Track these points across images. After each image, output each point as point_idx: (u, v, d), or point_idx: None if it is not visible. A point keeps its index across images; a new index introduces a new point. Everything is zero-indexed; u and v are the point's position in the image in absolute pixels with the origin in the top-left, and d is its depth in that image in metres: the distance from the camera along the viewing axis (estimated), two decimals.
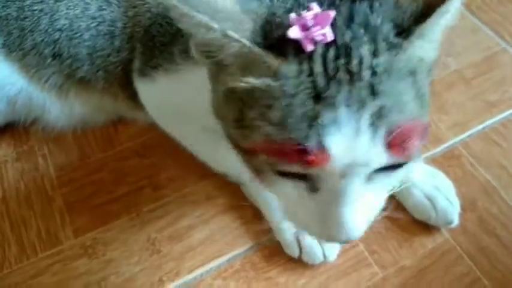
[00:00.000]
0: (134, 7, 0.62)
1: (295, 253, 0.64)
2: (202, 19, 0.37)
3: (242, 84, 0.41)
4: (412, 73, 0.40)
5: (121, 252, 0.65)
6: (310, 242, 0.63)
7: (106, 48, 0.64)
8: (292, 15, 0.39)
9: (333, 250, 0.64)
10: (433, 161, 0.74)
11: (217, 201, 0.70)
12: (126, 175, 0.73)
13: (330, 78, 0.38)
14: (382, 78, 0.38)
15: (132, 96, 0.68)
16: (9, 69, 0.67)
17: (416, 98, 0.40)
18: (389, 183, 0.45)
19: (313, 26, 0.39)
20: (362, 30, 0.39)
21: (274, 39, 0.39)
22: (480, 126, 0.79)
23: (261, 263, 0.65)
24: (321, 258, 0.63)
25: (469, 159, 0.75)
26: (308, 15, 0.39)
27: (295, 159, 0.39)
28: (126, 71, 0.66)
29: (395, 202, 0.69)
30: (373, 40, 0.39)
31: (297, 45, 0.39)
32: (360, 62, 0.38)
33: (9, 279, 0.63)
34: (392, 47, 0.39)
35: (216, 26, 0.38)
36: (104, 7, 0.63)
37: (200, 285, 0.63)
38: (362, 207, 0.43)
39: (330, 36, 0.38)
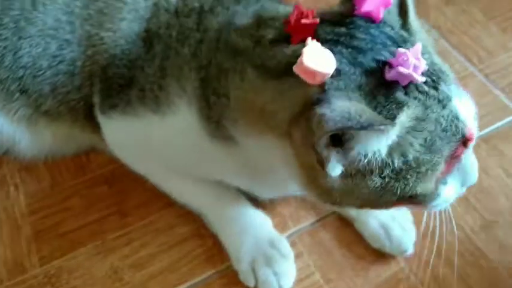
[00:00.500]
0: (93, 46, 0.65)
1: (251, 283, 0.66)
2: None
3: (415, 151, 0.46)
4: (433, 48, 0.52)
5: (84, 280, 0.68)
6: (266, 271, 0.65)
7: (67, 85, 0.67)
8: (402, 69, 0.44)
9: (287, 280, 0.66)
10: None
11: (179, 230, 0.72)
12: (95, 202, 0.75)
13: (434, 86, 0.47)
14: (435, 61, 0.50)
15: (98, 128, 0.71)
16: None
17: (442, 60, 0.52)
18: None
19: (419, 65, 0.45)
20: (404, 44, 0.49)
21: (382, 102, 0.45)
22: None
23: None
24: None
25: None
26: (411, 58, 0.44)
27: (463, 150, 0.48)
28: (90, 105, 0.69)
29: (354, 230, 0.71)
30: (412, 45, 0.48)
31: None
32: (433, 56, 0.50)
33: None
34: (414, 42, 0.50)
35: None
36: (63, 46, 0.65)
37: None
38: None
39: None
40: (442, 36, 0.97)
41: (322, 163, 0.45)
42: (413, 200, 0.49)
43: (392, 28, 0.50)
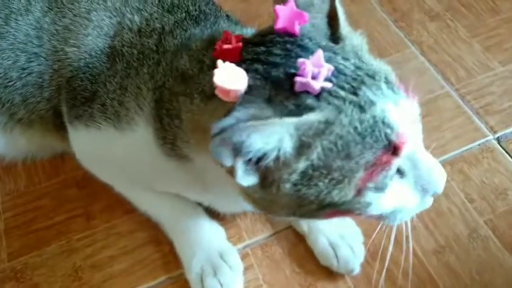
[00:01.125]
0: (59, 60, 0.68)
1: None
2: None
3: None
4: (365, 52, 0.53)
5: (46, 277, 0.72)
6: (212, 281, 0.68)
7: (36, 96, 0.71)
8: (300, 78, 0.45)
9: None
10: None
11: (139, 235, 0.76)
12: (64, 204, 0.79)
13: (353, 91, 0.46)
14: (364, 66, 0.49)
15: (68, 137, 0.74)
16: None
17: (378, 62, 0.52)
18: None
19: (319, 70, 0.46)
20: (325, 52, 0.48)
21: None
22: None
23: None
24: None
25: None
26: (309, 67, 0.45)
27: (392, 158, 0.47)
28: (59, 115, 0.72)
29: (307, 246, 0.73)
30: (335, 52, 0.49)
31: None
32: (348, 68, 0.48)
33: None
34: (343, 49, 0.50)
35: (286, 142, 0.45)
36: (32, 59, 0.69)
37: None
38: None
39: (331, 66, 0.47)
40: (421, 53, 0.96)
41: (232, 174, 0.46)
42: (339, 208, 0.49)
43: (311, 39, 0.50)
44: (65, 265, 0.73)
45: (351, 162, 0.46)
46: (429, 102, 0.89)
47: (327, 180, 0.46)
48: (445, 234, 0.74)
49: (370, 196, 0.49)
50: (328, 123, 0.45)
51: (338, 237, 0.70)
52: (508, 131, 0.85)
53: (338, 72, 0.47)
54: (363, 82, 0.47)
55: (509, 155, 0.82)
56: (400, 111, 0.48)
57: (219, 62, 0.46)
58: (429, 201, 0.54)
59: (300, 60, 0.46)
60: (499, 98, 0.89)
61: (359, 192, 0.48)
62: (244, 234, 0.75)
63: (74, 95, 0.69)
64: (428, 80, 0.92)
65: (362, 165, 0.46)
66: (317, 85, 0.45)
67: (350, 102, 0.46)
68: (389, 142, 0.46)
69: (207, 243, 0.71)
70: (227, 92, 0.46)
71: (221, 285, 0.68)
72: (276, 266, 0.72)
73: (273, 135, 0.44)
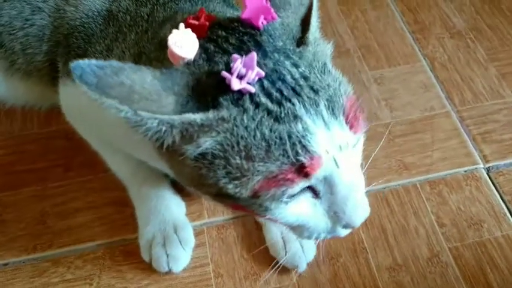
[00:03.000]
0: (59, 18, 0.72)
1: (146, 258, 0.71)
2: (111, 103, 0.43)
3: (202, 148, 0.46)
4: (325, 65, 0.50)
5: (15, 216, 0.77)
6: (159, 253, 0.70)
7: (35, 48, 0.75)
8: (225, 73, 0.45)
9: (178, 264, 0.70)
10: None
11: (108, 194, 0.78)
12: (50, 152, 0.84)
13: (278, 100, 0.45)
14: (312, 78, 0.47)
15: None
16: None
17: (336, 80, 0.50)
18: (359, 159, 0.53)
19: (246, 71, 0.45)
20: (276, 54, 0.48)
21: (209, 100, 0.45)
22: (381, 186, 0.78)
23: (120, 256, 0.73)
24: (166, 268, 0.69)
25: None
26: (237, 65, 0.45)
27: (298, 178, 0.45)
28: (55, 71, 0.76)
29: (261, 235, 0.73)
30: (287, 56, 0.48)
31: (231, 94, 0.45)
32: (292, 76, 0.47)
33: None
34: (300, 55, 0.49)
35: (124, 107, 0.43)
36: (35, 12, 0.73)
37: (63, 260, 0.72)
38: (361, 185, 0.51)
39: (263, 72, 0.46)
40: (431, 68, 0.93)
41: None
42: (238, 202, 0.48)
43: (271, 37, 0.49)
44: (34, 208, 0.77)
45: (251, 164, 0.45)
46: (426, 119, 0.86)
47: (224, 172, 0.46)
48: (405, 253, 0.71)
49: (267, 203, 0.48)
50: (223, 120, 0.45)
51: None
52: (501, 162, 0.80)
53: (278, 77, 0.46)
54: (298, 94, 0.46)
55: (495, 188, 0.78)
56: (329, 136, 0.46)
57: (181, 25, 0.48)
58: (342, 232, 0.52)
59: (235, 55, 0.45)
60: (501, 127, 0.84)
61: (255, 194, 0.47)
62: (204, 213, 0.76)
63: (68, 51, 0.72)
64: (431, 97, 0.89)
65: (262, 172, 0.45)
66: (236, 85, 0.44)
67: (264, 110, 0.45)
68: (299, 162, 0.45)
69: (164, 213, 0.72)
70: (174, 55, 0.47)
71: (167, 256, 0.69)
72: (226, 248, 0.73)
73: (154, 123, 0.44)
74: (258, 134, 0.45)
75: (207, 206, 0.77)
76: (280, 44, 0.49)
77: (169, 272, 0.70)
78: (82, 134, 0.78)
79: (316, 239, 0.54)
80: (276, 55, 0.48)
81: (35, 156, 0.84)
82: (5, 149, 0.85)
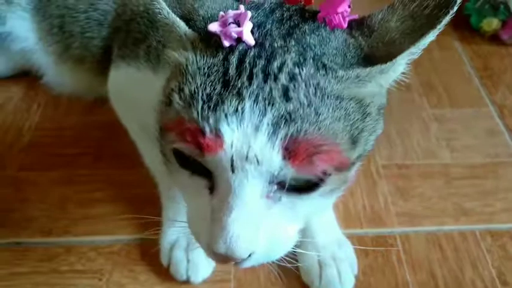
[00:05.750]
0: (123, 5, 0.72)
1: (165, 261, 0.64)
2: None
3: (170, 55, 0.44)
4: (342, 100, 0.40)
5: (37, 196, 0.73)
6: (179, 257, 0.63)
7: (94, 32, 0.75)
8: (221, 12, 0.42)
9: (197, 273, 0.63)
10: (360, 239, 0.68)
11: (135, 190, 0.74)
12: (84, 140, 0.81)
13: (242, 70, 0.40)
14: (300, 87, 0.39)
15: None
16: (31, 27, 0.81)
17: (340, 123, 0.40)
18: (301, 211, 0.43)
19: (231, 23, 0.41)
20: (293, 43, 0.42)
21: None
22: (433, 228, 0.69)
23: (135, 255, 0.67)
24: (183, 277, 0.63)
25: (400, 254, 0.66)
26: (230, 13, 0.42)
27: (193, 141, 0.40)
28: (108, 58, 0.75)
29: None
30: (301, 54, 0.41)
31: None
32: (281, 66, 0.40)
33: None
34: (324, 68, 0.40)
35: None
36: None
37: (76, 249, 0.67)
38: (255, 223, 0.41)
39: (249, 37, 0.41)
40: (499, 115, 0.86)
41: None
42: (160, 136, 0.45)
43: (314, 33, 0.43)
44: (57, 192, 0.74)
45: (181, 94, 0.41)
46: (489, 165, 0.78)
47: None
48: None
49: (168, 152, 0.43)
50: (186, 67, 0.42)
51: (329, 257, 0.62)
52: None
53: (266, 57, 0.41)
54: (264, 82, 0.40)
55: None
56: (247, 136, 0.38)
57: None
58: (211, 255, 0.43)
59: (242, 6, 0.43)
60: None
61: (162, 130, 0.44)
62: None
63: (126, 35, 0.71)
64: (496, 143, 0.81)
65: (181, 108, 0.40)
66: (213, 28, 0.41)
67: (224, 68, 0.40)
68: (202, 128, 0.39)
69: None
70: None
71: (187, 261, 0.63)
72: (252, 268, 0.65)
73: None
74: (203, 80, 0.40)
75: None
76: (313, 42, 0.42)
77: (186, 281, 0.63)
78: (124, 121, 0.74)
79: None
80: (291, 42, 0.42)
81: (68, 141, 0.81)
82: (43, 131, 0.84)
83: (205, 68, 0.41)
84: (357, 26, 0.45)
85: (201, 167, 0.41)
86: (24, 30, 0.82)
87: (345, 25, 0.45)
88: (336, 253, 0.63)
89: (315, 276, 0.61)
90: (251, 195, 0.40)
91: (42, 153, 0.79)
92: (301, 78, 0.40)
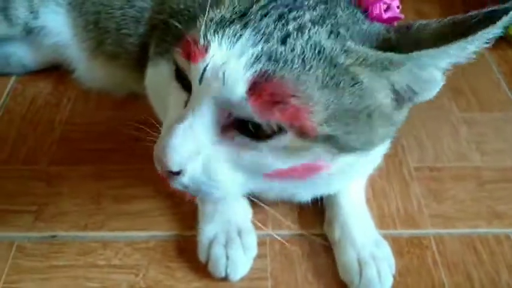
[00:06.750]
0: (161, 4, 0.72)
1: (202, 257, 0.64)
2: None
3: None
4: (340, 73, 0.41)
5: (71, 191, 0.73)
6: (219, 254, 0.63)
7: (130, 29, 0.75)
8: None
9: (237, 270, 0.63)
10: (395, 240, 0.68)
11: (169, 187, 0.73)
12: (115, 134, 0.80)
13: (262, 7, 0.43)
14: (301, 38, 0.41)
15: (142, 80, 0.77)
16: (65, 22, 0.81)
17: (324, 91, 0.40)
18: (246, 159, 0.44)
19: None
20: (323, 7, 0.44)
21: None
22: (467, 230, 0.70)
23: (172, 252, 0.66)
24: (222, 274, 0.62)
25: (435, 256, 0.66)
26: None
27: (186, 49, 0.44)
28: (143, 55, 0.75)
29: (330, 256, 0.65)
30: (323, 17, 0.43)
31: None
32: (296, 17, 0.43)
33: None
34: (337, 35, 0.42)
35: None
36: None
37: (112, 244, 0.67)
38: (197, 144, 0.43)
39: None
40: None
41: None
42: None
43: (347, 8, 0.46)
44: (91, 187, 0.73)
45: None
46: None
47: None
48: None
49: None
50: None
51: (369, 256, 0.62)
52: None
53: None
54: (279, 20, 0.42)
55: None
56: (230, 57, 0.41)
57: None
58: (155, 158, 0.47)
59: None
60: None
61: None
62: (269, 223, 0.69)
63: (166, 33, 0.71)
64: None
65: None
66: None
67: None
68: (195, 35, 0.44)
69: (230, 215, 0.66)
70: None
71: (227, 258, 0.62)
72: (289, 266, 0.65)
73: None
74: (230, 9, 0.44)
75: (271, 217, 0.70)
76: (344, 20, 0.44)
77: (225, 278, 0.62)
78: (160, 115, 0.75)
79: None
80: (321, 7, 0.44)
81: (101, 136, 0.81)
82: (75, 126, 0.83)
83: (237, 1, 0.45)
84: (399, 26, 0.46)
85: (187, 82, 0.45)
86: (58, 25, 0.82)
87: (385, 16, 0.45)
88: (375, 252, 0.63)
89: (354, 275, 0.61)
90: (206, 113, 0.42)
91: (73, 148, 0.79)
92: (308, 32, 0.42)
